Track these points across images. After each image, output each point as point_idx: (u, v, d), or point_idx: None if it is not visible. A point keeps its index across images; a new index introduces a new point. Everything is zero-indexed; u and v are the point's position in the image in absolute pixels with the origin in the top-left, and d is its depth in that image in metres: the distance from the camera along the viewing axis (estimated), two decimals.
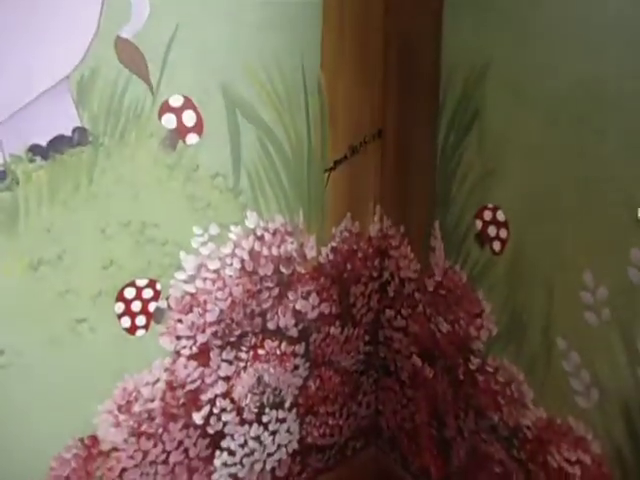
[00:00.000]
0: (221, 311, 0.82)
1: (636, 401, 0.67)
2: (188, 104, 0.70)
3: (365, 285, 1.03)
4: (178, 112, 0.70)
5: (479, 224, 0.82)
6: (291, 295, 0.91)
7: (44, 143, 0.60)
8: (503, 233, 0.79)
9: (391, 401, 1.12)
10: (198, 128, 0.72)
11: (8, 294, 0.62)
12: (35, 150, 0.59)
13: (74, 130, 0.62)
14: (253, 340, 0.89)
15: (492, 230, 0.80)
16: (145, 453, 0.80)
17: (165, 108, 0.69)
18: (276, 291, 0.89)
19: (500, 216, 0.79)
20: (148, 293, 0.74)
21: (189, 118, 0.71)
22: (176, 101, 0.69)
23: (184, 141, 0.72)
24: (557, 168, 0.71)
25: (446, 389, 0.97)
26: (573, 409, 0.75)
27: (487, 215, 0.80)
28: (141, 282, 0.72)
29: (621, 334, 0.67)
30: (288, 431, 1.01)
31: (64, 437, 0.71)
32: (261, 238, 0.84)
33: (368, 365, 1.10)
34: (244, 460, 0.95)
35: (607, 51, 0.63)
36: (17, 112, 0.57)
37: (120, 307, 0.72)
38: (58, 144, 0.61)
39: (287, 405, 0.98)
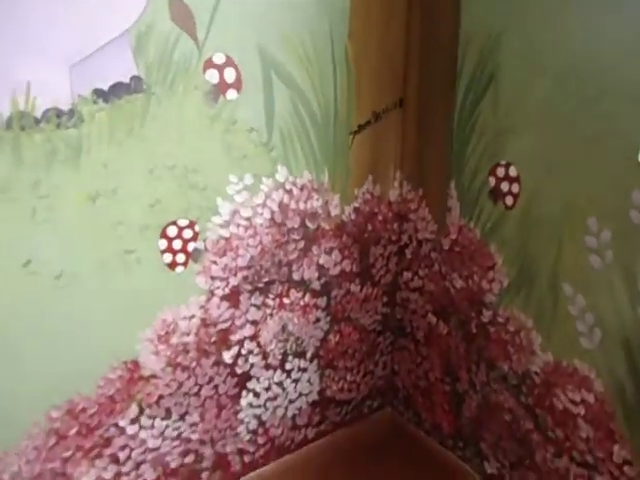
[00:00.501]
0: (251, 257, 0.90)
1: (637, 338, 0.72)
2: (229, 62, 0.78)
3: (384, 247, 1.10)
4: (220, 69, 0.78)
5: (492, 181, 0.88)
6: (315, 249, 0.98)
7: (106, 88, 0.68)
8: (515, 188, 0.85)
9: (406, 361, 1.17)
10: (237, 84, 0.80)
11: (69, 222, 0.70)
12: (98, 93, 0.68)
13: (131, 78, 0.70)
14: (279, 288, 0.96)
15: (505, 186, 0.86)
16: (180, 384, 0.88)
17: (209, 64, 0.77)
18: (302, 244, 0.96)
19: (512, 172, 0.84)
20: (188, 233, 0.81)
21: (230, 75, 0.79)
22: (219, 59, 0.77)
23: (224, 96, 0.79)
24: (565, 125, 0.77)
25: (459, 344, 1.02)
26: (578, 351, 0.80)
27: (500, 172, 0.86)
28: (182, 222, 0.80)
29: (623, 275, 0.72)
30: (309, 381, 1.07)
31: (110, 359, 0.79)
32: (290, 192, 0.91)
33: (385, 326, 1.16)
34: (267, 404, 1.02)
35: (607, 26, 0.69)
36: (86, 58, 0.66)
37: (163, 244, 0.80)
38: (118, 90, 0.69)
39: (309, 356, 1.05)
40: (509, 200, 0.85)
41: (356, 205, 1.02)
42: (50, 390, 0.74)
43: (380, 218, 1.07)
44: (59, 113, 0.65)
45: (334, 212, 0.98)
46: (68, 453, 0.78)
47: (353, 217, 1.02)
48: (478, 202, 0.91)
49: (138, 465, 0.87)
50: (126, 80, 0.70)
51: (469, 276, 0.96)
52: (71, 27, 0.64)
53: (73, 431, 0.78)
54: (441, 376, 1.08)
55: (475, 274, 0.94)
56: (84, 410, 0.78)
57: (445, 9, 0.91)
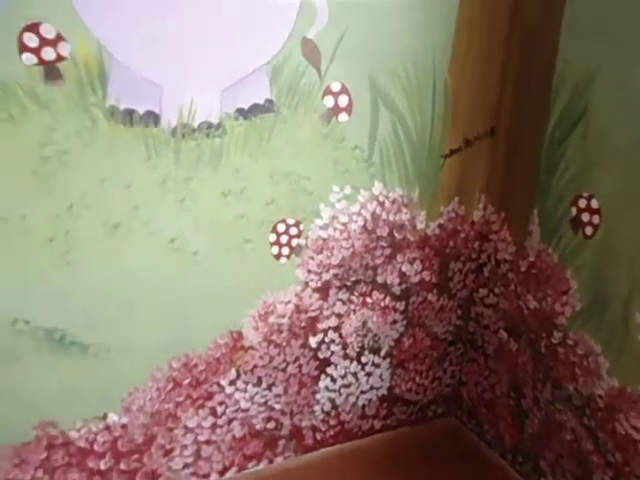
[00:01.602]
0: (343, 257, 1.02)
1: None
2: (344, 89, 0.92)
3: (463, 263, 1.18)
4: (336, 95, 0.92)
5: (574, 211, 0.94)
6: (399, 257, 1.09)
7: (246, 107, 0.84)
8: (596, 219, 0.90)
9: (474, 373, 1.24)
10: (348, 109, 0.94)
11: (206, 211, 0.87)
12: (239, 112, 0.84)
13: (266, 100, 0.86)
14: (364, 288, 1.08)
15: (586, 216, 0.91)
16: (271, 358, 1.02)
17: (327, 91, 0.91)
18: (388, 251, 1.07)
19: (594, 204, 0.90)
20: (293, 231, 0.96)
21: (343, 100, 0.93)
22: (336, 87, 0.91)
23: (337, 118, 0.93)
24: None
25: (527, 361, 1.07)
26: None
27: (582, 203, 0.92)
28: (290, 221, 0.95)
29: None
30: (380, 377, 1.18)
31: (221, 327, 0.95)
32: (382, 204, 1.03)
33: (457, 337, 1.24)
34: (342, 390, 1.14)
35: None
36: (233, 84, 0.82)
37: (273, 237, 0.95)
38: (254, 109, 0.85)
39: (383, 353, 1.15)
40: (589, 230, 0.91)
41: (441, 222, 1.12)
42: (173, 344, 0.92)
43: (462, 236, 1.16)
44: (209, 125, 0.83)
45: (420, 226, 1.09)
46: (180, 398, 0.96)
47: (437, 232, 1.12)
48: (558, 229, 0.97)
49: (230, 421, 1.03)
50: (261, 102, 0.86)
51: (543, 298, 1.02)
52: (226, 61, 0.81)
53: (186, 381, 0.95)
54: (507, 391, 1.13)
55: (549, 296, 1.00)
56: (196, 366, 0.95)
57: (543, 44, 0.99)
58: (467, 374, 1.25)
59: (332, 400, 1.13)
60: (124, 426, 0.92)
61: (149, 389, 0.92)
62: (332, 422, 1.15)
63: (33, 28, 0.70)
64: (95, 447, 0.91)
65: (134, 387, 0.91)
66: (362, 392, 1.16)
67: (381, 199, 1.03)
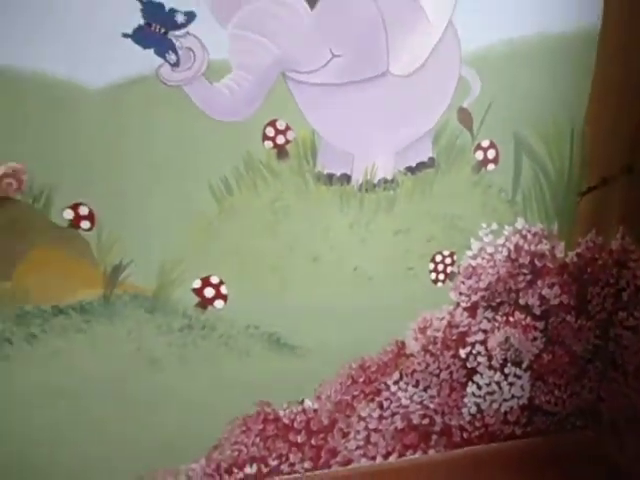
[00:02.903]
0: (489, 282, 1.20)
1: None
2: (492, 145, 1.11)
3: (602, 288, 1.28)
4: (485, 150, 1.11)
5: None
6: (539, 283, 1.23)
7: (414, 165, 1.08)
8: None
9: (614, 391, 1.32)
10: (495, 160, 1.12)
11: (381, 247, 1.12)
12: (408, 168, 1.08)
13: (429, 158, 1.08)
14: (507, 309, 1.24)
15: None
16: (427, 364, 1.23)
17: (477, 147, 1.11)
18: (529, 277, 1.22)
19: None
20: (448, 260, 1.16)
21: (491, 154, 1.11)
22: (485, 143, 1.11)
23: (485, 168, 1.12)
24: None
25: None
26: None
27: None
28: (445, 252, 1.16)
29: None
30: (521, 387, 1.32)
31: (389, 336, 1.18)
32: (524, 237, 1.19)
33: (595, 355, 1.33)
34: (486, 396, 1.30)
35: None
36: (405, 148, 1.06)
37: (431, 266, 1.16)
38: (420, 166, 1.08)
39: (524, 366, 1.30)
40: None
41: (579, 251, 1.24)
42: (353, 348, 1.17)
43: (600, 263, 1.26)
44: (386, 181, 1.07)
45: (559, 255, 1.22)
46: (356, 392, 1.21)
47: (575, 260, 1.24)
48: None
49: (393, 414, 1.25)
50: (425, 160, 1.08)
51: None
52: (400, 131, 1.05)
53: (361, 379, 1.20)
54: None
55: None
56: (369, 367, 1.19)
57: None
58: (606, 391, 1.33)
59: (478, 405, 1.30)
60: (315, 410, 1.20)
61: (335, 383, 1.19)
62: (477, 424, 1.31)
63: (272, 123, 1.00)
64: (295, 425, 1.20)
65: (324, 380, 1.18)
66: (504, 400, 1.31)
67: (523, 233, 1.19)
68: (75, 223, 0.98)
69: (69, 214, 0.98)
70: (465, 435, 1.33)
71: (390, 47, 1.01)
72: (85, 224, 0.98)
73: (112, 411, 1.10)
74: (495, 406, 1.32)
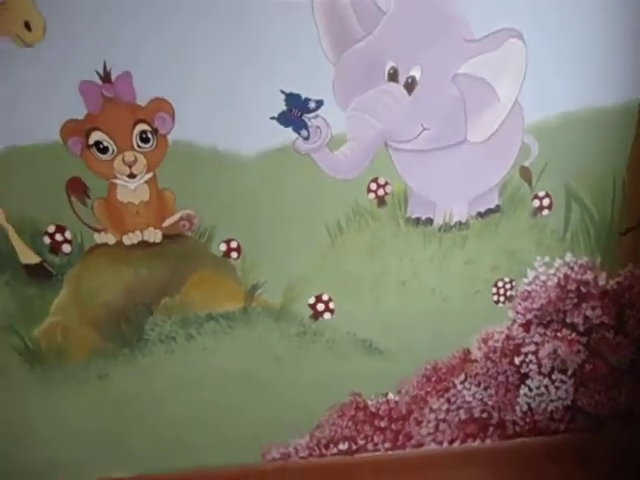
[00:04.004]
0: (542, 304, 1.46)
1: None
2: (547, 195, 1.37)
3: (637, 311, 1.51)
4: (541, 199, 1.38)
5: None
6: (584, 305, 1.48)
7: (482, 210, 1.35)
8: None
9: None
10: (549, 207, 1.38)
11: (454, 274, 1.39)
12: (478, 213, 1.35)
13: (496, 205, 1.35)
14: (556, 326, 1.49)
15: None
16: (488, 369, 1.50)
17: (535, 196, 1.37)
18: (575, 300, 1.47)
19: None
20: (508, 286, 1.43)
21: (546, 202, 1.38)
22: (541, 193, 1.37)
23: (541, 213, 1.38)
24: None
25: None
26: None
27: None
28: (506, 279, 1.43)
29: None
30: (566, 391, 1.57)
31: (456, 345, 1.46)
32: (572, 268, 1.44)
33: (631, 367, 1.56)
34: (536, 397, 1.55)
35: None
36: (477, 197, 1.33)
37: (494, 290, 1.43)
38: (487, 212, 1.36)
39: (569, 374, 1.54)
40: None
41: (618, 280, 1.48)
42: (429, 352, 1.45)
43: (636, 290, 1.50)
44: (460, 224, 1.35)
45: (601, 283, 1.46)
46: (428, 389, 1.49)
47: (615, 287, 1.48)
48: None
49: (458, 408, 1.52)
50: (492, 206, 1.36)
51: None
52: (474, 186, 1.33)
53: (433, 378, 1.48)
54: None
55: None
56: (440, 369, 1.47)
57: None
58: None
59: (528, 404, 1.55)
60: (396, 402, 1.49)
61: (412, 380, 1.47)
62: (527, 420, 1.57)
63: (375, 180, 1.30)
64: (379, 412, 1.49)
65: (404, 378, 1.47)
66: (551, 401, 1.56)
67: (571, 264, 1.44)
68: (227, 253, 1.32)
69: (223, 247, 1.31)
70: (517, 428, 1.59)
71: (468, 121, 1.29)
72: (234, 254, 1.32)
73: (244, 396, 1.42)
74: (543, 405, 1.57)
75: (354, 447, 1.53)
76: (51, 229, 1.25)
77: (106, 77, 1.17)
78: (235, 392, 1.42)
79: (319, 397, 1.47)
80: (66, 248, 1.27)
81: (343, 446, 1.53)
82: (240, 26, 1.17)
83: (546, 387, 1.58)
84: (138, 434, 1.44)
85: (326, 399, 1.48)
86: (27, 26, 1.13)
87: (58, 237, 1.26)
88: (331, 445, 1.53)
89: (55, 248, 1.27)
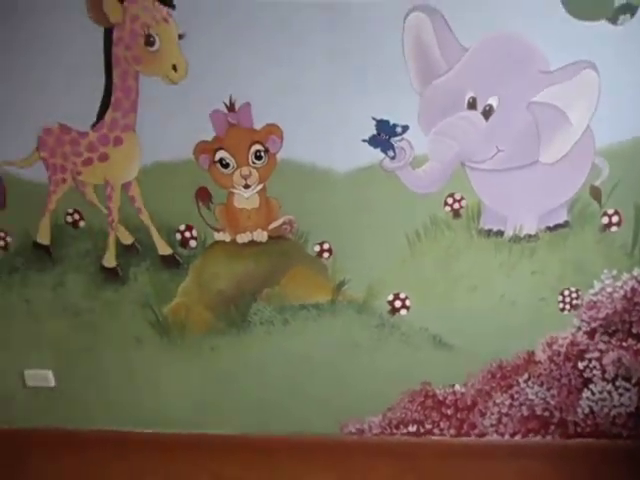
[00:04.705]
0: (607, 314, 1.55)
1: None
2: (616, 213, 1.47)
3: None
4: (610, 216, 1.48)
5: None
6: None
7: (551, 225, 1.47)
8: None
9: None
10: (618, 223, 1.48)
11: (521, 282, 1.53)
12: (547, 227, 1.48)
13: (564, 221, 1.47)
14: (621, 335, 1.57)
15: None
16: (551, 371, 1.62)
17: (604, 213, 1.47)
18: None
19: None
20: (574, 295, 1.55)
21: (615, 219, 1.48)
22: (611, 211, 1.47)
23: (609, 229, 1.47)
24: None
25: None
26: None
27: None
28: (572, 288, 1.54)
29: None
30: (629, 398, 1.64)
31: (520, 348, 1.59)
32: (639, 281, 1.51)
33: None
34: (598, 402, 1.65)
35: None
36: (547, 212, 1.45)
37: (560, 298, 1.55)
38: (556, 226, 1.48)
39: (633, 381, 1.61)
40: None
41: None
42: (495, 351, 1.60)
43: None
44: (530, 236, 1.50)
45: None
46: (494, 384, 1.64)
47: None
48: None
49: (521, 404, 1.66)
50: (561, 222, 1.48)
51: None
52: (545, 202, 1.46)
53: (498, 375, 1.63)
54: None
55: None
56: (505, 367, 1.62)
57: None
58: None
59: (590, 407, 1.65)
60: (462, 393, 1.65)
61: (478, 375, 1.63)
62: (589, 422, 1.66)
63: (451, 195, 1.47)
64: (446, 401, 1.66)
65: (471, 372, 1.64)
66: (614, 406, 1.64)
67: (638, 278, 1.51)
68: (320, 254, 1.55)
69: (317, 248, 1.55)
70: (578, 429, 1.69)
71: (541, 144, 1.41)
72: (326, 255, 1.55)
73: (327, 375, 1.66)
74: (606, 410, 1.66)
75: (422, 430, 1.71)
76: (182, 228, 1.57)
77: (231, 107, 1.44)
78: (320, 372, 1.66)
79: (393, 383, 1.67)
80: (192, 243, 1.57)
81: (412, 428, 1.71)
82: (341, 58, 1.39)
83: (609, 393, 1.65)
84: (239, 398, 1.72)
85: (399, 385, 1.67)
86: (174, 68, 1.43)
87: (187, 234, 1.56)
88: (401, 426, 1.72)
89: (184, 243, 1.58)
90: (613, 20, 1.35)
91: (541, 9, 1.34)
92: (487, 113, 1.42)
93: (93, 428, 1.79)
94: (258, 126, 1.46)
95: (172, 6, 1.38)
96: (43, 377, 1.74)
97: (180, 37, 1.40)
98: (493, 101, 1.41)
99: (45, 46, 1.43)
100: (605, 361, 1.62)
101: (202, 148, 1.49)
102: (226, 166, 1.50)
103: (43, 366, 1.74)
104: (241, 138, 1.47)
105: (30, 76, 1.46)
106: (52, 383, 1.74)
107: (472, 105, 1.42)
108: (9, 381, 1.76)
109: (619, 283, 1.55)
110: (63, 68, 1.45)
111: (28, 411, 1.79)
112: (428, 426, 1.72)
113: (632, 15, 1.34)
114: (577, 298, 1.57)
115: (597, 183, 1.47)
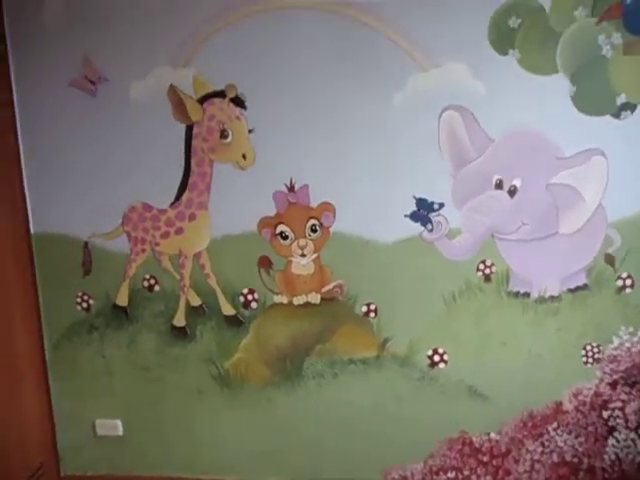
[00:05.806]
0: (627, 367, 1.71)
1: None
2: (629, 276, 1.66)
3: None
4: (624, 279, 1.66)
5: None
6: None
7: (572, 287, 1.66)
8: None
9: None
10: (632, 285, 1.67)
11: (547, 337, 1.70)
12: (568, 289, 1.66)
13: (583, 284, 1.66)
14: None
15: None
16: (578, 420, 1.77)
17: (618, 277, 1.66)
18: None
19: None
20: (596, 350, 1.72)
21: (628, 282, 1.66)
22: (624, 275, 1.65)
23: (625, 290, 1.65)
24: None
25: None
26: None
27: None
28: (594, 344, 1.71)
29: None
30: None
31: (547, 398, 1.73)
32: None
33: None
34: (623, 449, 1.77)
35: None
36: (567, 276, 1.64)
37: (582, 352, 1.72)
38: (576, 288, 1.68)
39: None
40: None
41: None
42: (526, 402, 1.76)
43: None
44: (553, 297, 1.69)
45: None
46: (525, 432, 1.77)
47: None
48: None
49: (551, 452, 1.79)
50: (581, 284, 1.67)
51: None
52: (566, 267, 1.64)
53: (529, 424, 1.77)
54: None
55: None
56: (536, 416, 1.77)
57: None
58: None
59: (616, 454, 1.78)
60: (497, 441, 1.80)
61: (511, 424, 1.78)
62: (616, 468, 1.79)
63: (483, 262, 1.68)
64: (482, 449, 1.80)
65: (504, 421, 1.79)
66: (638, 453, 1.76)
67: None
68: (366, 314, 1.75)
69: (364, 308, 1.75)
70: (606, 475, 1.81)
71: (559, 218, 1.63)
72: (372, 314, 1.75)
73: (372, 424, 1.81)
74: (631, 456, 1.78)
75: (460, 476, 1.84)
76: (245, 291, 1.79)
77: (291, 188, 1.68)
78: (366, 421, 1.81)
79: (432, 431, 1.82)
80: (254, 305, 1.78)
81: (451, 474, 1.84)
82: (386, 147, 1.65)
83: (633, 440, 1.79)
84: (291, 446, 1.87)
85: (438, 433, 1.82)
86: (244, 156, 1.68)
87: (249, 297, 1.78)
88: (441, 472, 1.85)
89: (246, 304, 1.79)
90: (616, 115, 1.59)
91: (555, 107, 1.59)
92: (512, 192, 1.65)
93: (154, 475, 1.94)
94: (314, 203, 1.70)
95: (244, 107, 1.65)
96: (113, 426, 1.91)
97: (250, 131, 1.66)
98: (517, 182, 1.64)
99: (135, 139, 1.71)
100: (627, 410, 1.76)
101: (265, 223, 1.72)
102: (285, 238, 1.72)
103: (113, 416, 1.91)
104: (299, 214, 1.71)
105: (121, 163, 1.74)
106: (120, 432, 1.92)
107: (499, 186, 1.65)
108: (82, 429, 1.93)
109: (636, 339, 1.72)
110: (148, 157, 1.72)
111: (97, 459, 1.96)
112: (466, 472, 1.85)
113: (632, 112, 1.58)
114: (599, 352, 1.74)
115: (610, 251, 1.67)
